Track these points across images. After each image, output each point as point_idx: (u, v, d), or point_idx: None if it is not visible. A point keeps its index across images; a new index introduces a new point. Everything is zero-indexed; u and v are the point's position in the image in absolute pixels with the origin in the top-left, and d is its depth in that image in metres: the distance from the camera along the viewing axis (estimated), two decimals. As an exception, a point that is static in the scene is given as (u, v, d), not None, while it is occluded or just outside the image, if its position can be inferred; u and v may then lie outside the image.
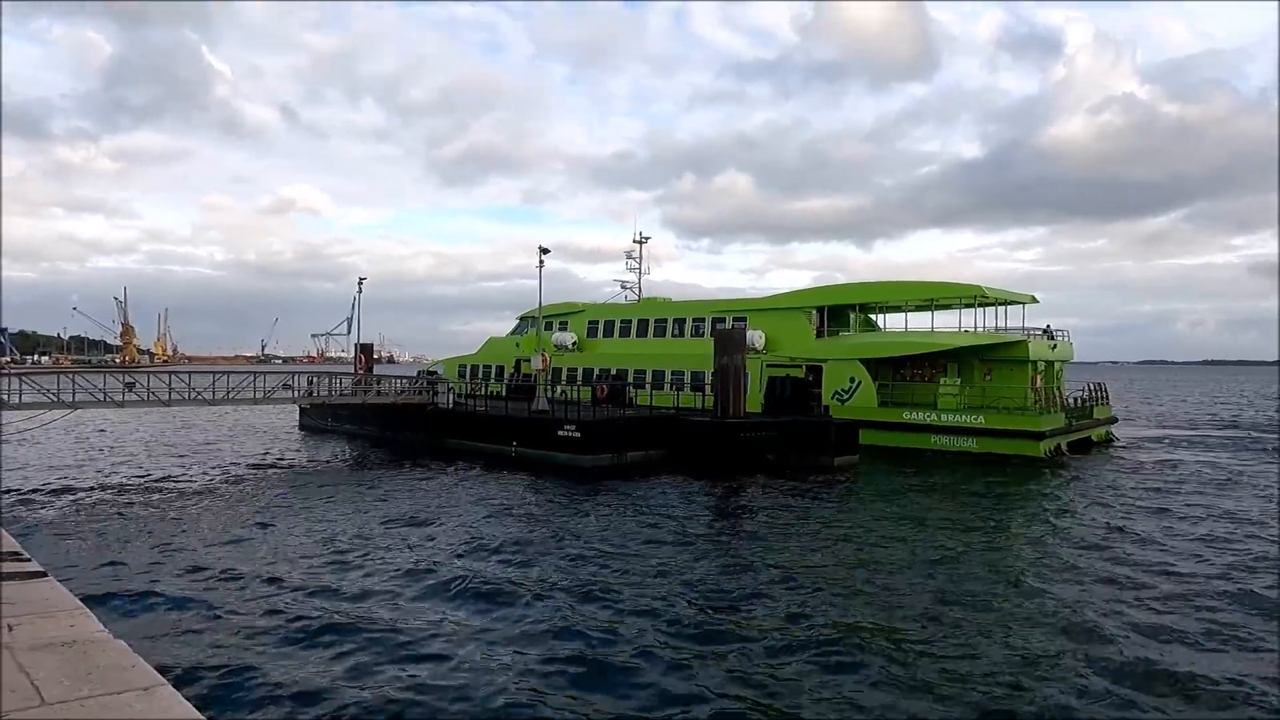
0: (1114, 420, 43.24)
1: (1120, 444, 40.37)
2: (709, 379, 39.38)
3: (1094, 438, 39.25)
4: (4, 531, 9.24)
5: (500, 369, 49.21)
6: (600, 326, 48.60)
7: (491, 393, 42.57)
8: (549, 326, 46.68)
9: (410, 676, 10.85)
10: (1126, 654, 11.61)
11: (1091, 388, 41.95)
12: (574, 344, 48.02)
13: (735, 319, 41.55)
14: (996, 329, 39.44)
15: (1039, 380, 36.80)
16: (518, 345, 50.13)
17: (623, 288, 51.37)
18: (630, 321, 47.36)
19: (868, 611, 13.65)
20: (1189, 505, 23.99)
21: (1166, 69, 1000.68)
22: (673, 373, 41.88)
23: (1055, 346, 39.02)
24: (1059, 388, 39.37)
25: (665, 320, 45.68)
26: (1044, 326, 39.72)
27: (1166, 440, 42.55)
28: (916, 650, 11.76)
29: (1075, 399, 40.67)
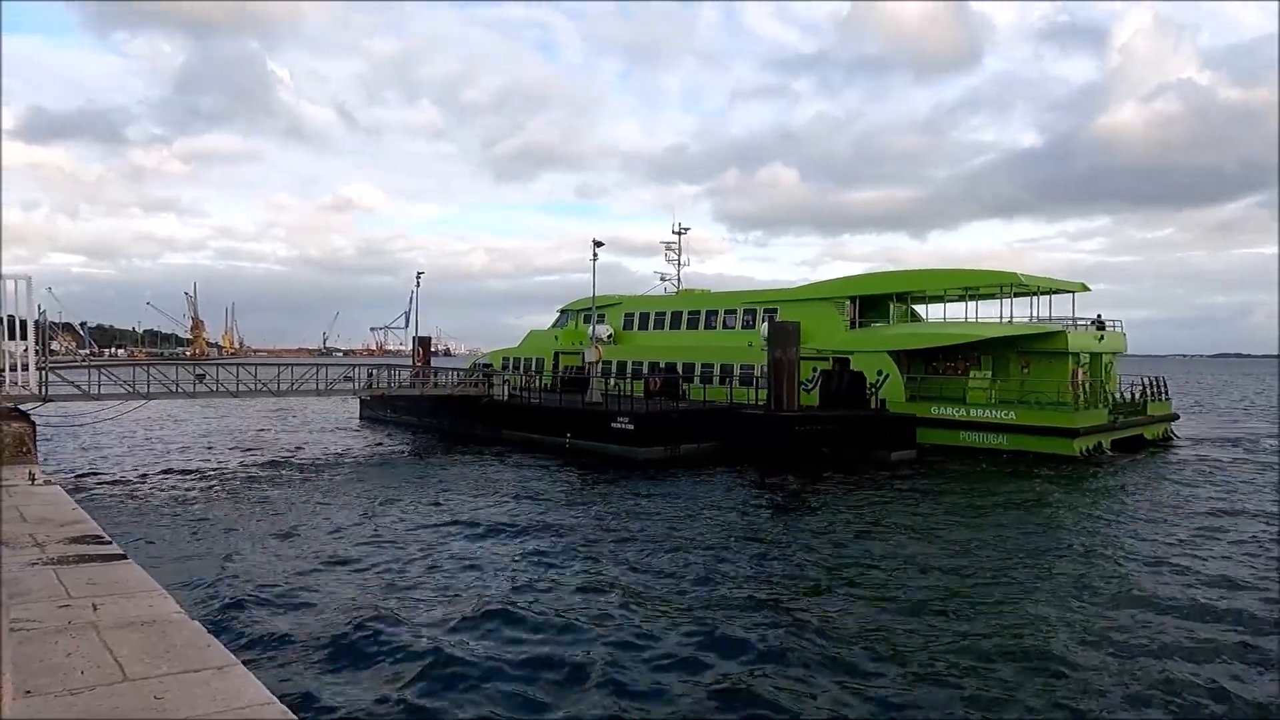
0: (1174, 417, 40.77)
1: (1179, 443, 38.00)
2: (738, 371, 39.35)
3: (1148, 435, 37.10)
4: (87, 516, 9.91)
5: (540, 361, 49.74)
6: (636, 318, 48.34)
7: (545, 385, 43.13)
8: (585, 319, 46.81)
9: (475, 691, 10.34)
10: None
11: (1147, 382, 39.65)
12: (609, 336, 47.83)
13: (767, 310, 40.90)
14: (1042, 319, 37.75)
15: (1081, 374, 35.17)
16: (556, 338, 50.69)
17: (661, 279, 51.23)
18: (665, 314, 46.97)
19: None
20: (1178, 515, 21.58)
21: (1232, 53, 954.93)
22: (703, 365, 41.41)
23: (1103, 337, 37.35)
24: (1106, 382, 37.46)
25: (699, 312, 45.14)
26: (1095, 316, 38.16)
27: (1230, 441, 39.53)
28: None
29: (1128, 394, 38.65)
